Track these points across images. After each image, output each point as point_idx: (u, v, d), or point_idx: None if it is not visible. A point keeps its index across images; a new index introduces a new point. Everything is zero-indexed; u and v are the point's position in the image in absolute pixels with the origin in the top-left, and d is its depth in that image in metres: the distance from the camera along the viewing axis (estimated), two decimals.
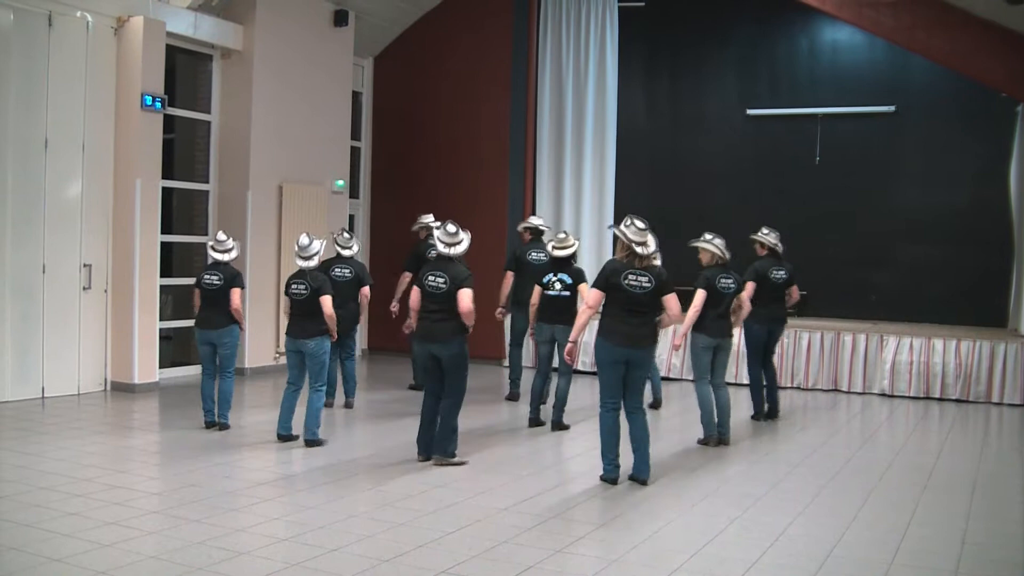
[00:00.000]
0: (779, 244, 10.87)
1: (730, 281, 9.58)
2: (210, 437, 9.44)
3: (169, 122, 13.01)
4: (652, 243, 7.81)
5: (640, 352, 7.84)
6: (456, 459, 8.49)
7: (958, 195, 14.49)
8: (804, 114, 15.17)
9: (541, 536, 6.48)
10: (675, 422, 11.08)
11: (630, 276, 7.75)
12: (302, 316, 9.09)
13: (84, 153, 11.60)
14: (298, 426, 9.22)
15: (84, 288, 11.63)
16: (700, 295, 9.45)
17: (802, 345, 13.40)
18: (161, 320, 12.43)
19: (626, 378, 7.89)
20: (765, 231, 10.89)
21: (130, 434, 9.83)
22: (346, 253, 10.86)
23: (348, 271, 10.84)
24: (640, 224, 7.76)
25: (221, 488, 7.51)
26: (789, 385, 13.43)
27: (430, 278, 8.35)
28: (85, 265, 11.63)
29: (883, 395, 13.00)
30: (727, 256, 9.63)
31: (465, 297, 8.20)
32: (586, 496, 7.65)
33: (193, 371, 13.35)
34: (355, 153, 16.19)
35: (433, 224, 11.40)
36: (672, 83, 16.45)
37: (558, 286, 10.05)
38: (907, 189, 14.80)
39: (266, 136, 13.66)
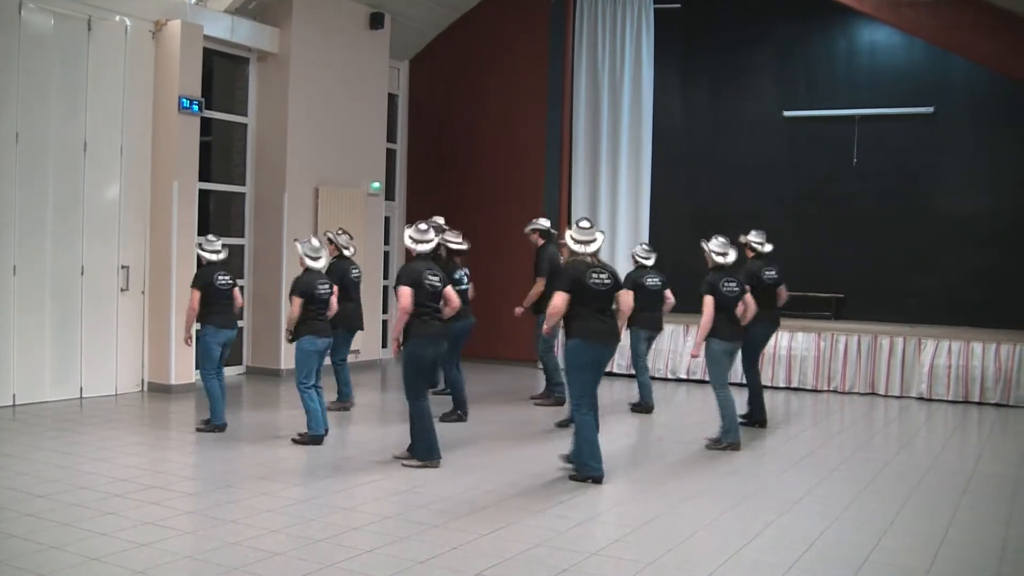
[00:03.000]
0: (765, 245, 10.72)
1: (733, 285, 9.45)
2: (245, 438, 9.49)
3: (206, 125, 13.09)
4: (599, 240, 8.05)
5: (608, 347, 8.04)
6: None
7: (997, 197, 14.34)
8: (841, 115, 15.07)
9: (576, 539, 6.47)
10: (705, 427, 11.01)
11: (592, 275, 7.88)
12: (326, 314, 9.42)
13: (122, 156, 11.71)
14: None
15: (122, 290, 11.73)
16: (708, 300, 9.36)
17: (839, 348, 13.30)
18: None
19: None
20: (753, 234, 10.76)
21: (167, 435, 9.91)
22: (348, 253, 10.92)
23: (357, 271, 11.01)
24: (584, 224, 8.07)
25: (257, 489, 7.54)
26: (826, 388, 13.34)
27: (431, 278, 8.38)
28: (123, 267, 11.74)
29: (921, 399, 12.88)
30: (720, 260, 9.50)
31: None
32: (620, 499, 7.64)
33: (230, 372, 13.46)
34: (391, 155, 16.24)
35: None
36: (708, 84, 16.39)
37: None
38: (946, 191, 14.67)
39: (302, 139, 13.73)
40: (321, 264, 9.31)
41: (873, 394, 13.17)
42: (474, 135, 16.22)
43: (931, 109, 14.59)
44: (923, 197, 14.79)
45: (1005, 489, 8.20)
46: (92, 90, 11.34)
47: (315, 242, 9.45)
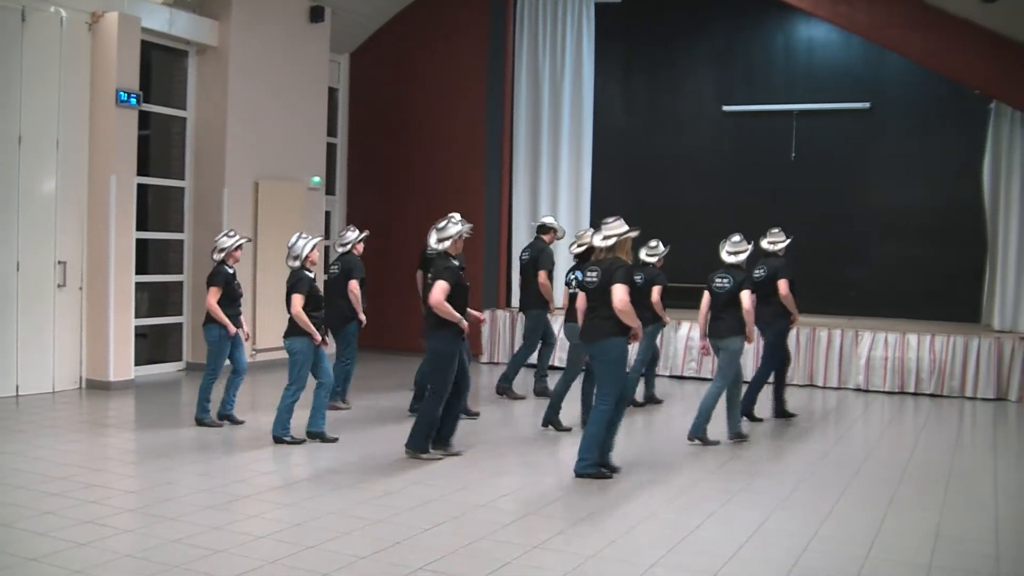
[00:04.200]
0: (778, 243, 10.72)
1: (724, 281, 9.45)
2: (186, 435, 9.41)
3: (144, 118, 12.93)
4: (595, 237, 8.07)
5: (589, 346, 8.04)
6: (428, 456, 8.50)
7: (932, 192, 14.58)
8: (780, 111, 15.23)
9: (518, 532, 6.49)
10: (655, 419, 11.10)
11: (588, 272, 8.06)
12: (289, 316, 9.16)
13: (58, 150, 11.53)
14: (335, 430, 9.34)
15: (59, 285, 11.55)
16: (704, 297, 9.64)
17: None
18: (136, 317, 12.37)
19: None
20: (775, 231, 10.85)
21: (106, 432, 9.78)
22: (340, 249, 10.75)
23: (336, 267, 10.71)
24: (609, 220, 8.07)
25: (197, 486, 7.48)
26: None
27: (429, 275, 8.48)
28: (60, 262, 11.56)
29: (858, 390, 13.08)
30: (730, 259, 9.53)
31: (435, 290, 8.20)
32: (563, 492, 7.66)
33: (169, 368, 13.35)
34: (331, 149, 16.14)
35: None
36: (649, 79, 16.48)
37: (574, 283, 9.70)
38: (882, 186, 14.89)
39: (242, 132, 13.61)
40: (295, 263, 9.10)
41: (812, 386, 13.34)
42: (415, 129, 16.18)
43: (867, 105, 14.80)
44: (859, 191, 15.00)
45: (939, 478, 8.36)
46: (27, 82, 11.14)
47: (291, 239, 9.26)
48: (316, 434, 9.16)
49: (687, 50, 16.08)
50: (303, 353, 9.07)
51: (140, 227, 12.61)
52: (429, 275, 8.43)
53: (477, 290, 15.01)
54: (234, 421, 9.87)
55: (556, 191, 15.76)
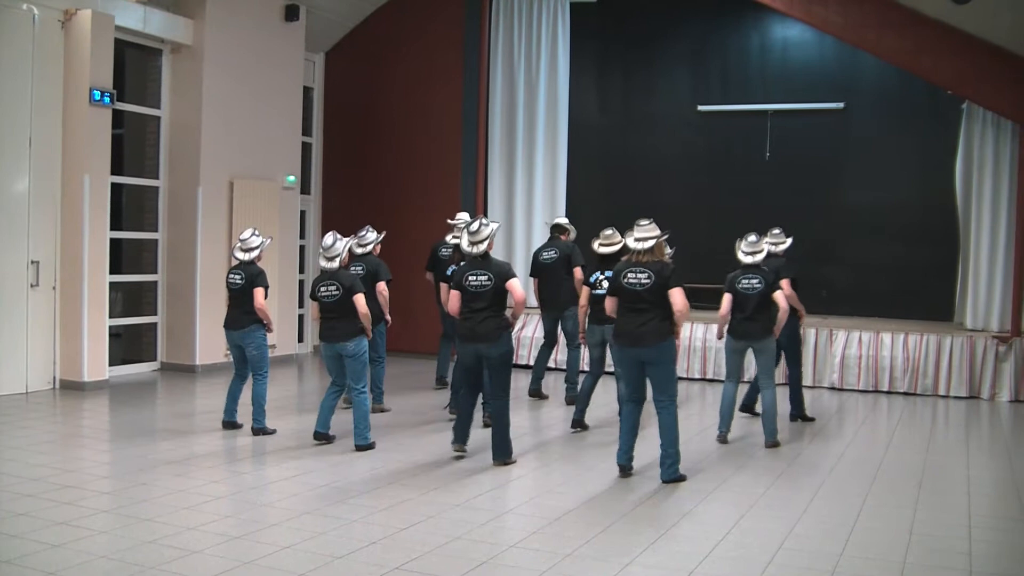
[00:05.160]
0: (779, 245, 10.75)
1: (754, 282, 9.44)
2: (161, 436, 9.37)
3: (118, 117, 12.86)
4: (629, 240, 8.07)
5: (644, 349, 7.89)
6: (512, 460, 8.54)
7: (905, 191, 14.66)
8: (754, 110, 15.27)
9: (494, 531, 6.50)
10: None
11: (628, 274, 7.93)
12: (336, 318, 8.84)
13: (31, 148, 11.44)
14: (335, 428, 9.23)
15: (32, 285, 11.47)
16: (725, 298, 9.60)
17: None
18: (111, 317, 12.30)
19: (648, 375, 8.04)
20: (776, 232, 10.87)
21: (80, 433, 9.73)
22: (359, 251, 10.52)
23: (360, 268, 10.39)
24: (643, 222, 8.06)
25: (172, 487, 7.45)
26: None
27: (471, 278, 8.31)
28: (33, 262, 11.48)
29: (833, 388, 13.16)
30: (747, 259, 9.54)
31: (519, 290, 8.26)
32: (540, 492, 7.68)
33: (144, 368, 13.29)
34: (306, 149, 16.11)
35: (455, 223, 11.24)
36: (624, 79, 16.49)
37: (605, 284, 9.37)
38: (856, 185, 14.95)
39: (216, 131, 13.56)
40: (333, 264, 8.87)
41: (786, 384, 13.35)
42: (390, 128, 16.15)
43: (841, 105, 14.87)
44: (834, 191, 15.06)
45: (913, 475, 8.42)
46: None
47: (327, 240, 9.00)
48: (322, 435, 9.05)
49: (662, 50, 16.09)
50: (366, 351, 8.98)
51: (114, 226, 12.55)
52: (481, 278, 8.28)
53: None
54: (235, 426, 9.69)
55: (531, 190, 15.77)
